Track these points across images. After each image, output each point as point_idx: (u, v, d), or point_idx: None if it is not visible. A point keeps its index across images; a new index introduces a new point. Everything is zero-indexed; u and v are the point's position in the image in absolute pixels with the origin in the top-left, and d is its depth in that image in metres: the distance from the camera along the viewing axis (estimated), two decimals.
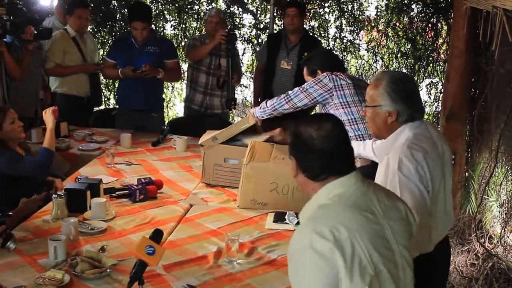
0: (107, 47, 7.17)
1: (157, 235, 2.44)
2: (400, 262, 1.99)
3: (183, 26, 7.23)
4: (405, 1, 6.77)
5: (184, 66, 6.99)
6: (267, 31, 6.86)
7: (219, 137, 4.00)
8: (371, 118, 2.81)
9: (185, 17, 7.19)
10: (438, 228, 2.73)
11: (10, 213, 3.08)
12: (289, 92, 3.93)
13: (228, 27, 5.62)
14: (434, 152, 2.71)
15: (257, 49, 6.87)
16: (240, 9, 7.00)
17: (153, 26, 7.00)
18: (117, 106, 5.98)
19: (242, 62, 7.13)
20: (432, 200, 2.63)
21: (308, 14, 6.84)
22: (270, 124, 5.28)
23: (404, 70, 6.97)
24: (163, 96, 6.05)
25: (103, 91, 7.11)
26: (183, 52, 7.12)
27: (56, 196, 3.38)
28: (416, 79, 6.84)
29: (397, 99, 2.70)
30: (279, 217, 3.48)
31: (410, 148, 2.64)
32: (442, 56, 6.78)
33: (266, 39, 6.47)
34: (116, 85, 7.20)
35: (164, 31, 7.27)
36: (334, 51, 7.00)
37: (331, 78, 3.80)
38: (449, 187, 2.82)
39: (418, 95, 2.89)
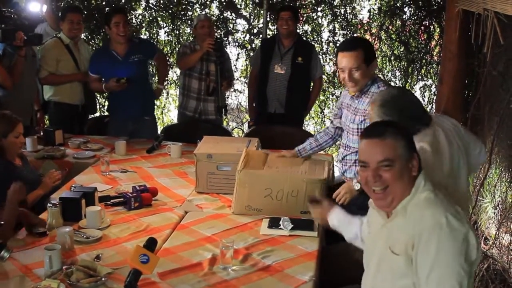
0: None
1: (151, 244, 2.45)
2: None
3: (177, 32, 7.24)
4: (398, 4, 6.80)
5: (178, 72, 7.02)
6: (261, 36, 6.88)
7: (214, 156, 4.01)
8: None
9: (179, 23, 7.20)
10: None
11: (2, 222, 3.07)
12: None
13: (216, 35, 5.62)
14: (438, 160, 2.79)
15: (251, 54, 6.89)
16: (234, 14, 7.01)
17: (147, 33, 7.06)
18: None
19: (236, 68, 7.17)
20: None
21: (301, 18, 6.85)
22: (262, 129, 5.33)
23: (398, 73, 7.01)
24: (157, 101, 6.06)
25: (98, 98, 7.11)
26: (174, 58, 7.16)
27: (51, 205, 3.38)
28: (409, 81, 6.88)
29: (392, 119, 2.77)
30: (274, 223, 3.49)
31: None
32: (435, 58, 6.81)
33: (259, 44, 6.49)
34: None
35: (158, 37, 7.28)
36: (327, 55, 7.03)
37: None
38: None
39: (416, 105, 2.95)
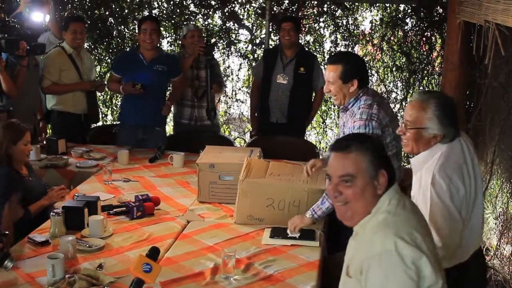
0: (104, 63, 7.22)
1: (153, 253, 2.46)
2: None
3: (180, 42, 7.27)
4: (400, 15, 6.83)
5: None
6: (263, 46, 6.91)
7: (216, 166, 4.03)
8: (412, 139, 2.81)
9: (181, 33, 7.23)
10: (472, 238, 2.83)
11: (7, 232, 3.09)
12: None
13: (205, 40, 5.67)
14: (466, 167, 2.78)
15: (253, 64, 6.92)
16: (236, 24, 7.04)
17: None
18: (117, 122, 6.01)
19: (238, 78, 7.22)
20: (467, 210, 2.73)
21: (303, 29, 6.88)
22: (264, 138, 5.34)
23: (399, 84, 7.02)
24: None
25: (100, 107, 7.14)
26: None
27: (53, 214, 3.40)
28: (411, 92, 6.89)
29: (446, 123, 2.74)
30: (276, 233, 3.50)
31: (443, 165, 2.70)
32: (437, 69, 6.83)
33: (262, 54, 6.51)
34: (114, 101, 7.28)
35: (161, 47, 7.30)
36: None
37: (379, 109, 3.47)
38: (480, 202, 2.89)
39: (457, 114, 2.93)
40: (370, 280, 2.03)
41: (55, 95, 5.63)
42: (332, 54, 3.23)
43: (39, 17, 5.43)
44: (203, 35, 5.60)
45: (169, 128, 7.56)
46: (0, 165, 3.72)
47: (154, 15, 7.13)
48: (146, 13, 7.17)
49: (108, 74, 5.98)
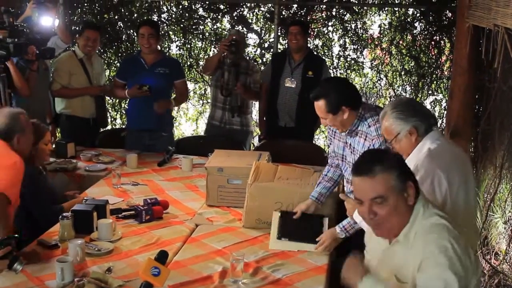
0: (113, 67, 7.25)
1: (162, 256, 2.48)
2: None
3: (188, 46, 7.30)
4: (408, 20, 6.82)
5: (190, 86, 7.07)
6: (272, 50, 6.92)
7: (225, 170, 4.04)
8: (400, 148, 2.94)
9: (190, 37, 7.26)
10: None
11: (16, 235, 3.10)
12: None
13: (232, 40, 5.65)
14: (454, 162, 2.87)
15: (262, 68, 6.92)
16: (245, 29, 7.06)
17: (159, 46, 7.11)
18: (124, 127, 6.02)
19: None
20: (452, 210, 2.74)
21: (312, 33, 6.89)
22: (272, 142, 5.35)
23: (408, 88, 7.01)
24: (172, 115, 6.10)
25: (109, 111, 7.17)
26: (188, 72, 7.22)
27: (63, 217, 3.41)
28: (420, 96, 6.88)
29: (407, 117, 2.89)
30: (283, 233, 3.48)
31: (428, 157, 2.82)
32: (446, 73, 6.81)
33: (270, 58, 6.52)
34: (123, 105, 7.31)
35: (170, 51, 7.34)
36: (338, 70, 7.05)
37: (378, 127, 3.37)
38: (472, 195, 2.95)
39: (422, 104, 3.04)
40: (427, 273, 2.18)
41: (64, 99, 5.66)
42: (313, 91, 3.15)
43: (48, 21, 5.46)
44: (234, 37, 5.57)
45: (178, 132, 7.61)
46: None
47: (163, 19, 7.17)
48: (155, 17, 7.20)
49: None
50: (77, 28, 6.52)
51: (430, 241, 2.20)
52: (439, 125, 6.71)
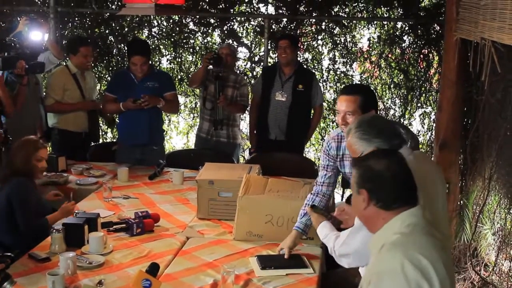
0: (104, 82, 7.26)
1: (153, 269, 2.49)
2: None
3: (179, 60, 7.33)
4: (397, 33, 6.88)
5: (181, 100, 7.08)
6: (262, 64, 6.96)
7: (216, 183, 4.06)
8: None
9: (181, 51, 7.29)
10: None
11: (10, 253, 3.10)
12: None
13: (214, 54, 5.69)
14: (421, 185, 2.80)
15: (252, 81, 6.96)
16: (235, 42, 7.09)
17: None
18: (115, 140, 6.02)
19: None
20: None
21: (302, 46, 6.94)
22: (263, 155, 5.37)
23: (397, 101, 7.05)
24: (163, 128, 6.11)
25: (101, 125, 7.17)
26: (178, 86, 7.23)
27: (54, 230, 3.42)
28: (409, 109, 6.93)
29: (370, 138, 2.76)
30: (265, 262, 3.36)
31: None
32: (434, 86, 6.87)
33: (261, 72, 6.56)
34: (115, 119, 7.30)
35: (160, 65, 7.36)
36: (327, 83, 7.10)
37: None
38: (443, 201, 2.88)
39: (389, 122, 2.96)
40: None
41: (56, 114, 5.66)
42: (346, 86, 3.12)
43: (37, 36, 5.48)
44: (213, 50, 5.63)
45: (169, 145, 7.61)
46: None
47: (153, 33, 7.19)
48: (145, 31, 7.22)
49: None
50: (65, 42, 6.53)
51: (384, 259, 2.10)
52: (428, 137, 6.78)
